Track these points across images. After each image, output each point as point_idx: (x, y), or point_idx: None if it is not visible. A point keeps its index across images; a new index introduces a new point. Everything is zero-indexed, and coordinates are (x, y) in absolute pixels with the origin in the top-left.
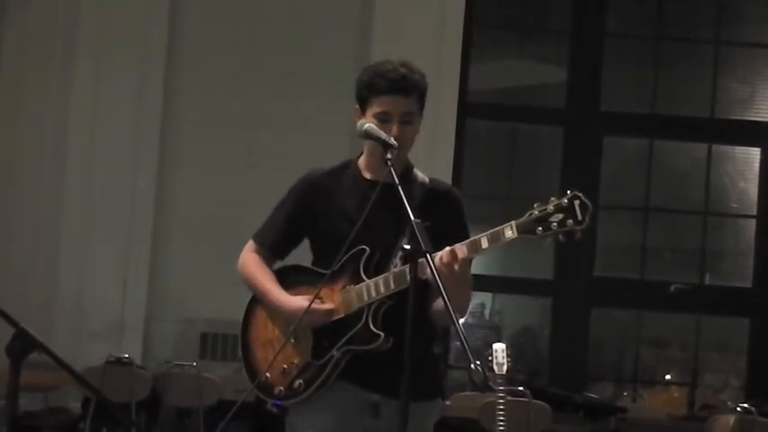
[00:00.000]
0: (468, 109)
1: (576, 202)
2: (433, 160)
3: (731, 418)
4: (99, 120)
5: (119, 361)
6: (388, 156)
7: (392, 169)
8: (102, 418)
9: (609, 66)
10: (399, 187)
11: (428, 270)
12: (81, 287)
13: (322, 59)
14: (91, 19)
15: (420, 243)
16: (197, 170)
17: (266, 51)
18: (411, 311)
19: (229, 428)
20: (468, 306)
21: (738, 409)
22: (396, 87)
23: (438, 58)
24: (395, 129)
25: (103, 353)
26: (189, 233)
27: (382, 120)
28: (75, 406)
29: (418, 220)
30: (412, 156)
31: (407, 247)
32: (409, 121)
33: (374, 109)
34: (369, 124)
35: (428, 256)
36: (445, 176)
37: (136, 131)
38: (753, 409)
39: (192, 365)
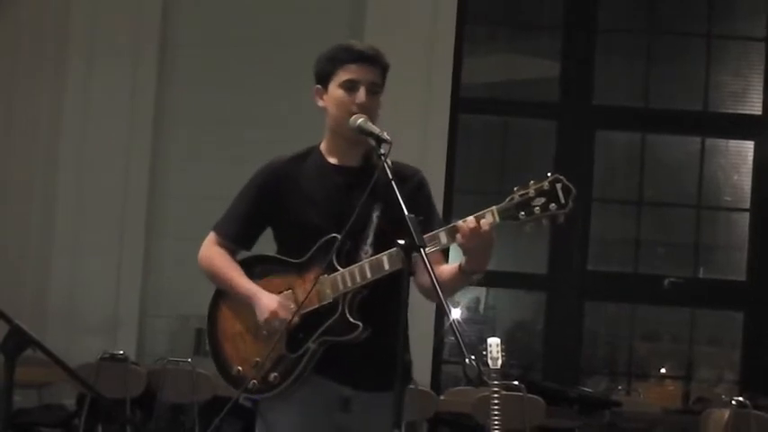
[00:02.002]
0: (461, 103)
1: (558, 185)
2: (425, 155)
3: (726, 412)
4: (91, 116)
5: (113, 357)
6: (382, 151)
7: (386, 165)
8: (96, 414)
9: (601, 60)
10: (393, 182)
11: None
12: (74, 283)
13: (315, 54)
14: (82, 16)
15: (415, 238)
16: (190, 165)
17: (259, 48)
18: (404, 305)
19: (224, 424)
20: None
21: (733, 402)
22: (363, 56)
23: (431, 52)
24: (362, 94)
25: (98, 349)
26: (182, 228)
27: (349, 88)
28: (70, 402)
29: (412, 215)
30: (404, 150)
31: (401, 242)
32: (376, 91)
33: (340, 78)
34: (361, 119)
35: (423, 251)
36: (438, 171)
37: (128, 127)
38: (747, 402)
39: (186, 362)
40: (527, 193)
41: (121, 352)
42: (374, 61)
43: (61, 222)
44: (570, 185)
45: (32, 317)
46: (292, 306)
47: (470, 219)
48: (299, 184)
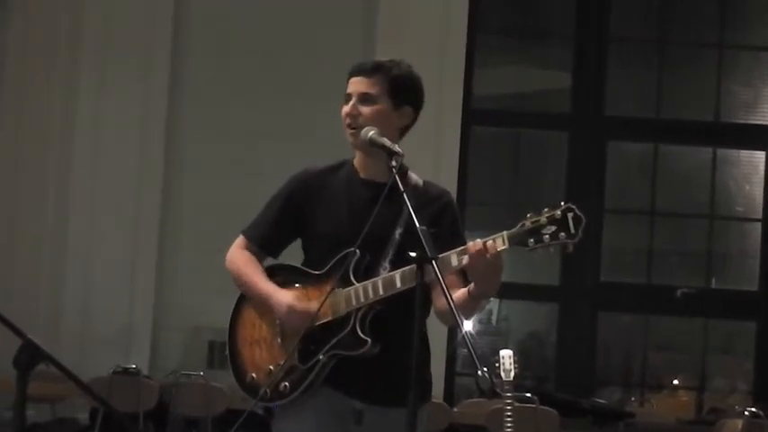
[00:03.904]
0: (472, 115)
1: (570, 215)
2: (438, 167)
3: (739, 422)
4: (103, 129)
5: (126, 371)
6: (393, 163)
7: (397, 177)
8: (109, 428)
9: (613, 70)
10: (405, 194)
11: (428, 273)
12: (87, 297)
13: (326, 68)
14: (94, 26)
15: (426, 250)
16: (203, 178)
17: (270, 63)
18: (418, 319)
19: None
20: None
21: (746, 412)
22: (357, 69)
23: (442, 65)
24: (349, 105)
25: (110, 363)
26: (195, 241)
27: (346, 101)
28: (83, 417)
29: (424, 228)
30: (416, 162)
31: (413, 254)
32: (368, 101)
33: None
34: (372, 132)
35: (434, 263)
36: (450, 183)
37: (141, 140)
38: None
39: (199, 375)
40: (538, 221)
41: (134, 366)
42: (369, 72)
43: (74, 236)
44: (581, 215)
45: (45, 331)
46: (312, 303)
47: (478, 241)
48: (327, 195)
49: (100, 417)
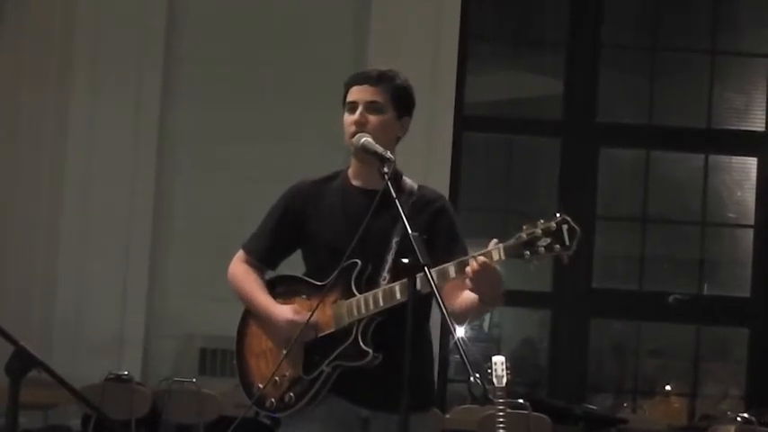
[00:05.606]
0: (464, 122)
1: (565, 227)
2: (429, 173)
3: (732, 428)
4: (96, 136)
5: (118, 378)
6: (385, 169)
7: (389, 183)
8: None
9: (605, 77)
10: (397, 201)
11: (426, 283)
12: (79, 304)
13: (319, 72)
14: (86, 32)
15: (418, 257)
16: (195, 184)
17: (263, 65)
18: (409, 325)
19: None
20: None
21: (738, 418)
22: (361, 77)
23: (434, 71)
24: (357, 113)
25: (103, 370)
26: (187, 248)
27: (350, 109)
28: (76, 423)
29: (416, 234)
30: (408, 169)
31: (406, 261)
32: (376, 110)
33: (346, 101)
34: (365, 138)
35: (427, 269)
36: (442, 189)
37: (133, 147)
38: (753, 418)
39: (191, 382)
40: (534, 233)
41: (126, 372)
42: (375, 81)
43: (66, 243)
44: (576, 227)
45: (38, 338)
46: (306, 314)
47: (481, 258)
48: (323, 205)
49: (92, 423)
